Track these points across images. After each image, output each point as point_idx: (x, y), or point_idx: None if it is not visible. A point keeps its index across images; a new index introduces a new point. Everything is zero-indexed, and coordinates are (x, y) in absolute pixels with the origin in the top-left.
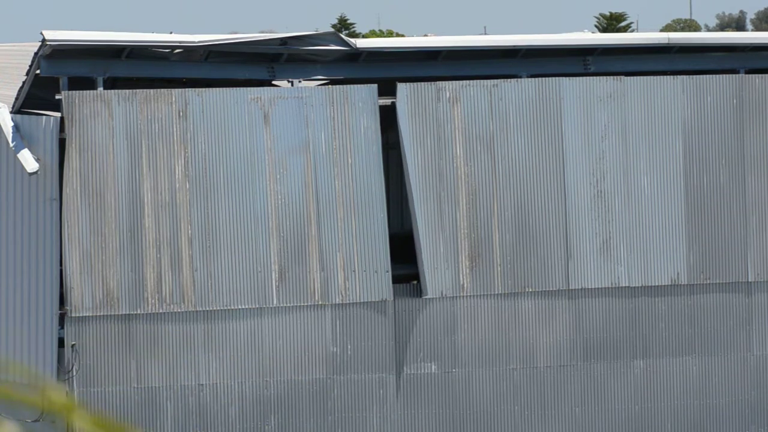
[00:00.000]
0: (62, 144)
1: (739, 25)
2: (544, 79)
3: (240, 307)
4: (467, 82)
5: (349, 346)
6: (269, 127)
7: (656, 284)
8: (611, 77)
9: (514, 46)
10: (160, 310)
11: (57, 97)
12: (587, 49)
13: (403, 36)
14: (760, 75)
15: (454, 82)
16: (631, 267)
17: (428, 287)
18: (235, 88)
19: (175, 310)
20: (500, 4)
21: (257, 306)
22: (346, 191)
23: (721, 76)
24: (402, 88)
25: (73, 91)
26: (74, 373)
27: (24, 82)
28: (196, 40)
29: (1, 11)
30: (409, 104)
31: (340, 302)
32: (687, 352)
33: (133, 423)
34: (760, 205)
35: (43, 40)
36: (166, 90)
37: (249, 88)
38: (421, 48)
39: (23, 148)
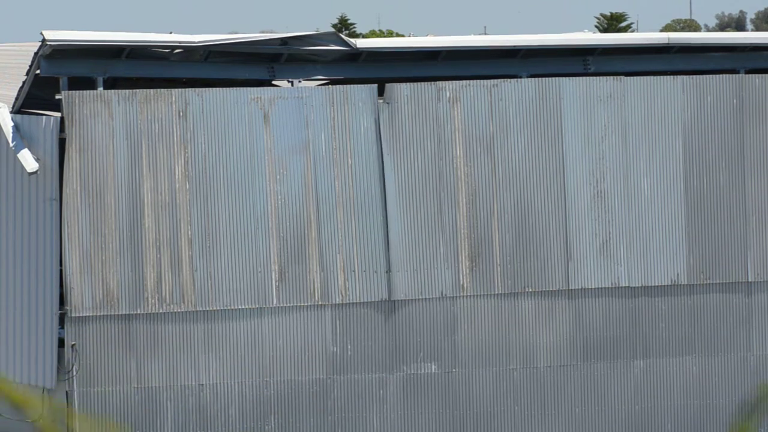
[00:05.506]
0: (62, 144)
1: (739, 25)
2: (544, 79)
3: (240, 307)
4: (467, 82)
5: (349, 346)
6: (269, 127)
7: (656, 284)
8: (611, 77)
9: (514, 46)
10: (160, 310)
11: (57, 97)
12: (587, 49)
13: (403, 36)
14: (760, 75)
15: (454, 82)
16: (631, 267)
17: (395, 289)
18: (235, 88)
19: (175, 310)
20: (500, 4)
21: (257, 306)
22: (346, 191)
23: (721, 76)
24: (390, 88)
25: (73, 91)
26: (74, 373)
27: (24, 82)
28: (196, 40)
29: (1, 11)
30: (409, 104)
31: (340, 302)
32: (687, 352)
33: (133, 423)
34: (760, 205)
35: (43, 40)
36: (166, 90)
37: (249, 88)
38: (421, 48)
39: (23, 148)
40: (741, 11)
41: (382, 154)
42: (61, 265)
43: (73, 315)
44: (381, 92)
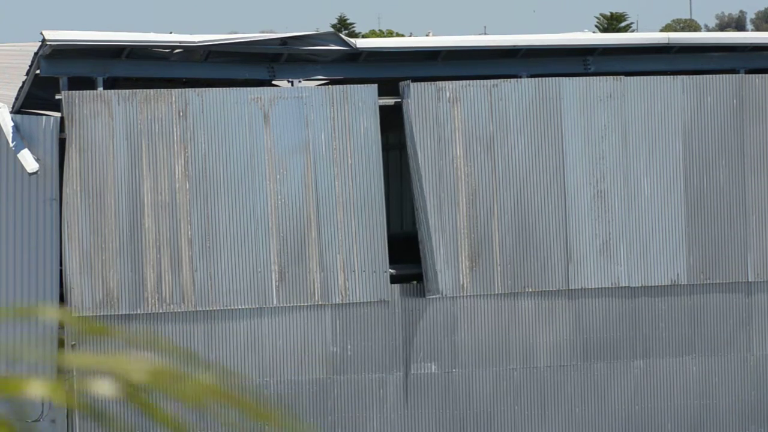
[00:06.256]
0: (62, 144)
1: (739, 25)
2: (544, 79)
3: (240, 307)
4: (467, 82)
5: (349, 346)
6: (269, 127)
7: (656, 284)
8: (611, 77)
9: (514, 46)
10: (160, 310)
11: (57, 97)
12: (587, 49)
13: (403, 36)
14: (760, 75)
15: (454, 82)
16: (631, 267)
17: (435, 287)
18: (235, 88)
19: (175, 310)
20: (500, 4)
21: (257, 306)
22: (346, 191)
23: (721, 76)
24: (404, 86)
25: (73, 91)
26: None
27: (24, 82)
28: (196, 40)
29: (1, 11)
30: (409, 104)
31: (340, 302)
32: (687, 352)
33: (133, 423)
34: (760, 205)
35: (43, 40)
36: (166, 90)
37: (249, 88)
38: (421, 48)
39: (23, 148)
40: (741, 11)
41: (415, 151)
42: (61, 265)
43: (73, 315)
44: (381, 92)
